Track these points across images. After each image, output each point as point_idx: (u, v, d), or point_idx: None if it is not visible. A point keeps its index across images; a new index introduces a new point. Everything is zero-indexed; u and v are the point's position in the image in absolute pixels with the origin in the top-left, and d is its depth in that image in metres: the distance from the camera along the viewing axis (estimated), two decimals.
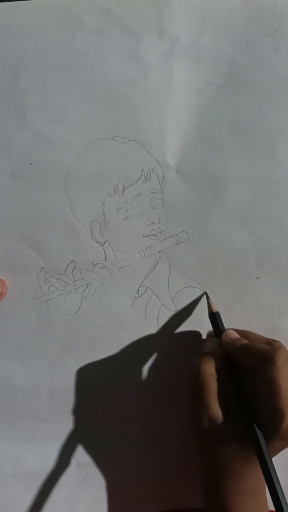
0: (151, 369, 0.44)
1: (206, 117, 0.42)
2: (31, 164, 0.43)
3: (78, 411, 0.44)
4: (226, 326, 0.42)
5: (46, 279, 0.43)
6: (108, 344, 0.43)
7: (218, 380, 0.39)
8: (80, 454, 0.44)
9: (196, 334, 0.43)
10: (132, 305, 0.43)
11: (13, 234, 0.43)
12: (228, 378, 0.39)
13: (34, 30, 0.42)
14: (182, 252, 0.43)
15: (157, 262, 0.43)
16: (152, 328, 0.43)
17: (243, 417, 0.37)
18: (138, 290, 0.43)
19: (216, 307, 0.42)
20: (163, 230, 0.43)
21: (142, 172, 0.43)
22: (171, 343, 0.43)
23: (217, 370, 0.39)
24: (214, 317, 0.42)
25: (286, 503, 0.33)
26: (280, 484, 0.34)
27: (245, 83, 0.42)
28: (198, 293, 0.43)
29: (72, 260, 0.43)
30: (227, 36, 0.42)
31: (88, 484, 0.44)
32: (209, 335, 0.43)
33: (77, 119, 0.43)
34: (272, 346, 0.37)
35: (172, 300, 0.43)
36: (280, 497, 0.33)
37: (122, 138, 0.43)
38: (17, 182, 0.43)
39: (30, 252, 0.43)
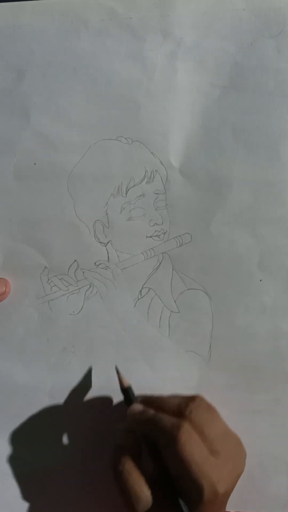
0: (152, 369, 0.44)
1: (210, 119, 0.42)
2: (35, 164, 0.43)
3: (80, 411, 0.44)
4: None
5: (49, 279, 0.43)
6: (110, 345, 0.43)
7: (138, 464, 0.37)
8: (81, 454, 0.44)
9: None
10: (135, 306, 0.43)
11: (16, 234, 0.43)
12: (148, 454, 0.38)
13: (38, 31, 0.42)
14: (185, 253, 0.43)
15: (160, 263, 0.43)
16: (154, 329, 0.43)
17: (170, 494, 0.36)
18: (140, 291, 0.43)
19: (127, 381, 0.41)
20: (166, 231, 0.43)
21: (145, 172, 0.43)
22: None
23: (135, 455, 0.38)
24: (127, 393, 0.41)
25: None
26: None
27: (249, 85, 0.42)
28: (200, 295, 0.43)
29: (75, 260, 0.43)
30: (231, 38, 0.42)
31: (90, 484, 0.44)
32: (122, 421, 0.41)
33: (81, 119, 0.43)
34: (182, 414, 0.36)
35: (175, 301, 0.43)
36: None
37: (126, 138, 0.43)
38: (21, 182, 0.43)
39: (33, 252, 0.43)
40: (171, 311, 0.43)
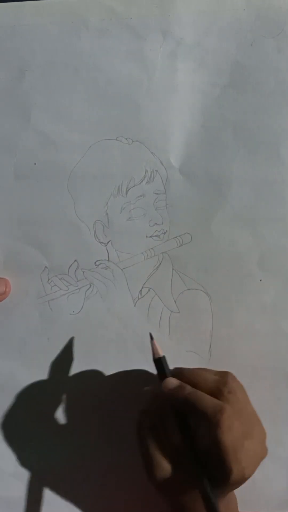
0: (153, 369, 0.44)
1: (210, 118, 0.42)
2: (35, 164, 0.43)
3: (80, 411, 0.44)
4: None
5: (49, 279, 0.43)
6: (110, 344, 0.43)
7: (163, 433, 0.37)
8: (82, 454, 0.44)
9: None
10: (135, 305, 0.43)
11: (16, 233, 0.44)
12: (176, 425, 0.37)
13: (39, 30, 0.42)
14: (185, 253, 0.43)
15: (160, 263, 0.43)
16: (154, 328, 0.43)
17: (192, 469, 0.36)
18: (140, 290, 0.43)
19: (161, 351, 0.39)
20: (166, 231, 0.43)
21: (146, 172, 0.43)
22: None
23: (161, 424, 0.38)
24: (160, 362, 0.39)
25: None
26: None
27: (249, 84, 0.42)
28: (200, 295, 0.43)
29: (75, 260, 0.43)
30: (231, 38, 0.42)
31: (90, 484, 0.44)
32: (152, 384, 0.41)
33: (81, 119, 0.43)
34: (221, 393, 0.36)
35: (175, 301, 0.43)
36: None
37: (126, 138, 0.43)
38: (21, 182, 0.43)
39: (33, 252, 0.43)
40: (171, 311, 0.43)
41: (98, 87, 0.43)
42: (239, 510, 0.40)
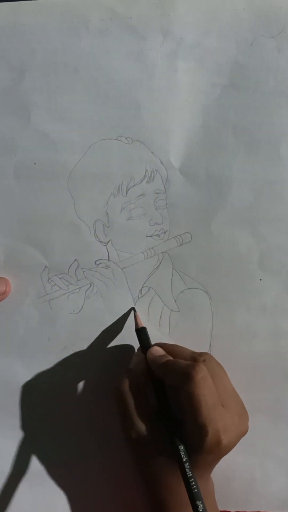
0: None
1: (210, 118, 0.42)
2: (35, 163, 0.43)
3: (80, 410, 0.44)
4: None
5: (49, 278, 0.43)
6: (110, 344, 0.43)
7: (142, 395, 0.39)
8: (82, 454, 0.44)
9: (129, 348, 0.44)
10: (135, 305, 0.43)
11: (17, 233, 0.44)
12: (153, 393, 0.39)
13: (39, 30, 0.42)
14: (185, 253, 0.43)
15: (160, 263, 0.43)
16: (154, 328, 0.43)
17: (167, 432, 0.37)
18: (141, 290, 0.43)
19: (142, 323, 0.42)
20: (166, 230, 0.43)
21: (146, 172, 0.43)
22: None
23: (141, 385, 0.39)
24: (140, 332, 0.41)
25: None
26: (202, 499, 0.33)
27: (249, 84, 0.42)
28: (200, 294, 0.43)
29: (75, 260, 0.43)
30: (231, 37, 0.42)
31: (90, 484, 0.44)
32: (138, 349, 0.43)
33: (81, 119, 0.43)
34: (195, 360, 0.37)
35: (175, 300, 0.43)
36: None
37: (126, 138, 0.43)
38: (21, 181, 0.43)
39: (33, 252, 0.43)
40: (171, 310, 0.43)
41: (98, 87, 0.43)
42: (239, 510, 0.40)
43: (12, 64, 0.43)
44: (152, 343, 0.41)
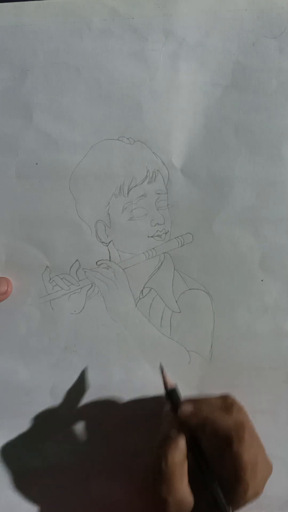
0: (154, 369, 0.44)
1: (212, 118, 0.42)
2: (37, 164, 0.43)
3: (81, 410, 0.44)
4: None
5: (50, 279, 0.44)
6: (111, 344, 0.43)
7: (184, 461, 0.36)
8: (83, 453, 0.44)
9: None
10: (136, 305, 0.43)
11: (18, 233, 0.44)
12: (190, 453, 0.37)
13: (41, 30, 0.42)
14: (187, 253, 0.43)
15: (161, 263, 0.43)
16: (155, 329, 0.43)
17: (209, 493, 0.36)
18: (142, 290, 0.43)
19: (172, 382, 0.39)
20: (168, 231, 0.43)
21: (147, 172, 0.43)
22: None
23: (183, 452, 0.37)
24: (172, 394, 0.38)
25: None
26: None
27: (251, 85, 0.42)
28: (202, 295, 0.43)
29: (76, 260, 0.43)
30: (233, 38, 0.42)
31: (91, 484, 0.44)
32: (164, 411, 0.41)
33: (83, 119, 0.43)
34: (229, 411, 0.36)
35: (176, 301, 0.43)
36: None
37: (128, 138, 0.43)
38: (23, 181, 0.43)
39: (35, 252, 0.44)
40: (173, 311, 0.43)
41: (100, 87, 0.43)
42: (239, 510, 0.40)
43: (14, 64, 0.43)
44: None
